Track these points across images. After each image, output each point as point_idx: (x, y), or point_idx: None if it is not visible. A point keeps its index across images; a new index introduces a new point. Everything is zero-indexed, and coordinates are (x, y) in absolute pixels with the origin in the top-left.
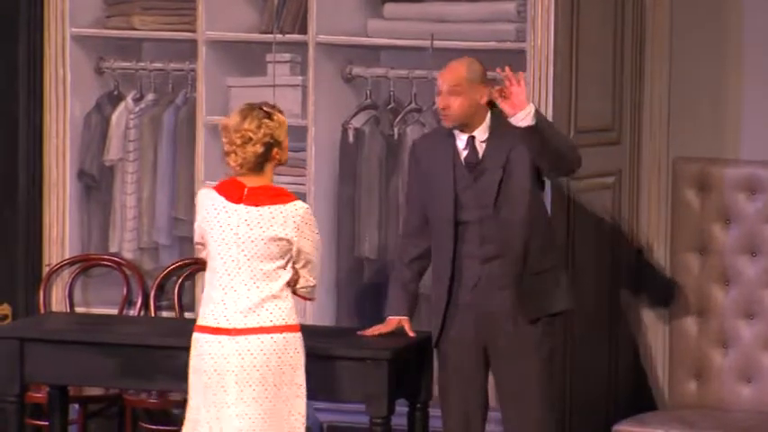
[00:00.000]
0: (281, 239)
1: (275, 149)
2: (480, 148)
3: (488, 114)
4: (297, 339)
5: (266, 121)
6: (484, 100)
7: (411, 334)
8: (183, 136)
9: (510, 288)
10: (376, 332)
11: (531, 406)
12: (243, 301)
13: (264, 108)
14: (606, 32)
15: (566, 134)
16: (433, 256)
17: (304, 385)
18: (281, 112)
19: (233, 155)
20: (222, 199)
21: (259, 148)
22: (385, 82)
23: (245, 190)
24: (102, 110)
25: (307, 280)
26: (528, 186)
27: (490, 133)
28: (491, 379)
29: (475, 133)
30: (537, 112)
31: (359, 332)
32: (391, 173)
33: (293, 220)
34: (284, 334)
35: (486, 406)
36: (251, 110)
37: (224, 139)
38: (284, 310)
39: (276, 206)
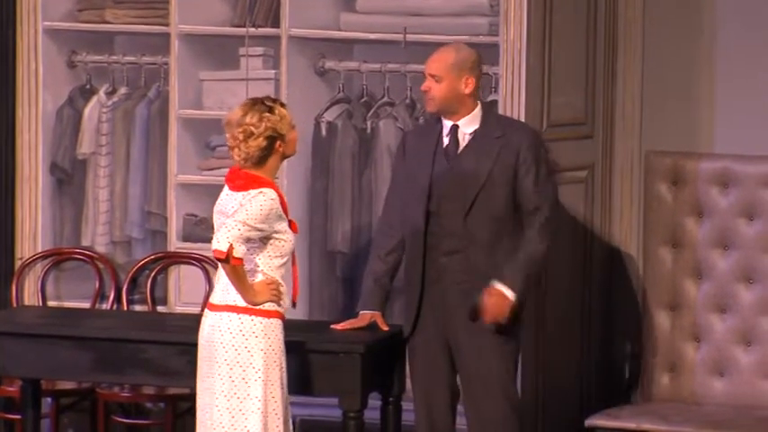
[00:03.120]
0: None
1: (278, 142)
2: (463, 139)
3: (478, 107)
4: (258, 324)
5: (267, 114)
6: (468, 90)
7: (384, 328)
8: (156, 130)
9: (469, 284)
10: (348, 326)
11: (492, 404)
12: (222, 278)
13: (266, 102)
14: (579, 26)
15: (537, 254)
16: (406, 249)
17: (263, 370)
18: (283, 105)
19: (236, 149)
20: (225, 185)
21: (262, 142)
22: (358, 75)
23: (235, 174)
24: (75, 103)
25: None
26: (503, 197)
27: (480, 128)
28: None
29: (459, 122)
30: (518, 298)
31: (332, 326)
32: (364, 166)
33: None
34: (242, 315)
35: (455, 399)
36: (253, 104)
37: (227, 135)
38: None
39: (242, 192)
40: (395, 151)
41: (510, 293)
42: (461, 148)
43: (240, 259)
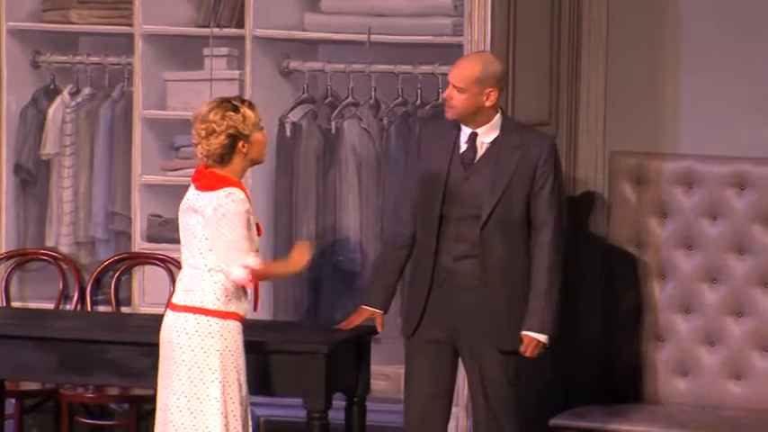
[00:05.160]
0: (204, 226)
1: (241, 142)
2: (481, 147)
3: (497, 116)
4: (214, 324)
5: (231, 113)
6: (489, 103)
7: (380, 329)
8: (120, 130)
9: (480, 288)
10: (350, 325)
11: (492, 405)
12: (184, 279)
13: (234, 101)
14: (543, 26)
15: (557, 275)
16: (416, 249)
17: (219, 371)
18: (252, 107)
19: (199, 146)
20: (192, 184)
21: (223, 140)
22: (322, 76)
23: (201, 173)
24: (39, 104)
25: (228, 267)
26: (519, 207)
27: (499, 137)
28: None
29: (478, 130)
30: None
31: (334, 327)
32: (328, 167)
33: (210, 209)
34: (198, 316)
35: (449, 402)
36: (220, 102)
37: (193, 131)
38: (206, 293)
39: (209, 192)
40: (410, 146)
41: (542, 337)
42: (479, 156)
43: (260, 264)
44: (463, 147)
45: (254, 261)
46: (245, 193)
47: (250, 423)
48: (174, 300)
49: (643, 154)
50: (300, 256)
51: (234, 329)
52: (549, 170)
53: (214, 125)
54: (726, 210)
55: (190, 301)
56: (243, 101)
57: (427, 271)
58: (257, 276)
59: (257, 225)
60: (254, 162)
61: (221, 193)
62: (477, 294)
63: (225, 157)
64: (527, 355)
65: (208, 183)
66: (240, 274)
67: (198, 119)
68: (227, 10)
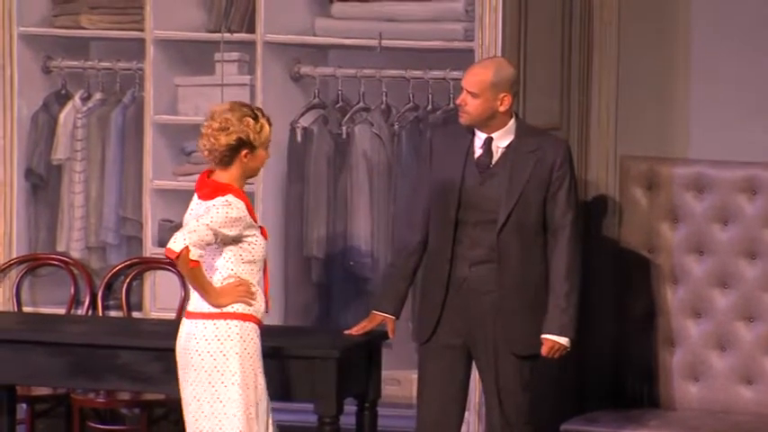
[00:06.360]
0: None
1: (245, 150)
2: (496, 151)
3: (512, 121)
4: (233, 327)
5: (249, 119)
6: (504, 108)
7: (391, 336)
8: (131, 135)
9: (497, 294)
10: (362, 330)
11: (506, 410)
12: None
13: (255, 110)
14: (554, 31)
15: (576, 278)
16: (429, 255)
17: (239, 374)
18: (269, 122)
19: (206, 138)
20: (195, 193)
21: (232, 140)
22: (333, 81)
23: (203, 182)
24: (50, 109)
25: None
26: (536, 211)
27: (514, 142)
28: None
29: (494, 135)
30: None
31: (345, 331)
32: (339, 172)
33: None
34: (217, 321)
35: (462, 407)
36: (241, 105)
37: (205, 123)
38: None
39: (209, 201)
40: (420, 152)
41: (563, 340)
42: (495, 160)
43: (197, 262)
44: (478, 152)
45: (196, 252)
46: (246, 200)
47: (272, 427)
48: (189, 308)
49: (654, 159)
50: (231, 293)
51: (252, 332)
52: (565, 173)
53: (229, 123)
54: (737, 215)
55: (207, 308)
56: (263, 114)
57: (442, 276)
58: (189, 265)
59: (262, 229)
60: (248, 175)
61: (220, 200)
62: (493, 299)
63: (225, 158)
64: (549, 357)
65: (208, 191)
66: (173, 245)
67: (215, 113)
68: (238, 15)
